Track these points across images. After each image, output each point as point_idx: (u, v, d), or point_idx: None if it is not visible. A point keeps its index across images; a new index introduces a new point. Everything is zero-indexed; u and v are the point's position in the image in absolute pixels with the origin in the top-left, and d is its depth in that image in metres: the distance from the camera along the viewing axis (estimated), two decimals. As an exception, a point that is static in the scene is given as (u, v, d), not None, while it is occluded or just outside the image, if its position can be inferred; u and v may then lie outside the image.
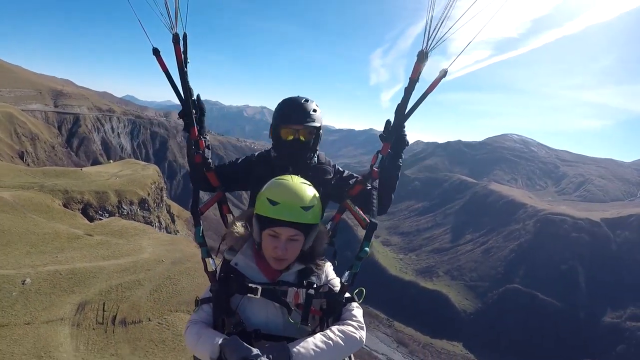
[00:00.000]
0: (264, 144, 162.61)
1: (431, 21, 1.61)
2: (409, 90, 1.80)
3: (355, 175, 2.39)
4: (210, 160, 2.16)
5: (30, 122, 75.43)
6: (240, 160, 2.48)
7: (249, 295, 1.65)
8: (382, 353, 61.08)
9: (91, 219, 27.75)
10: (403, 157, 2.25)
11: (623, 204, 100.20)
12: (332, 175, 2.36)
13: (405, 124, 2.00)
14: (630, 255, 73.54)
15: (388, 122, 1.98)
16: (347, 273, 1.76)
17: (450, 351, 65.73)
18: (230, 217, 2.26)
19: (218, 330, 1.64)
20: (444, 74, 1.71)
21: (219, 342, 1.46)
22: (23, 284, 14.45)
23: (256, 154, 2.50)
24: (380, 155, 1.98)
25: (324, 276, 1.79)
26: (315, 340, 1.49)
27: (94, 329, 14.08)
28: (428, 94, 1.81)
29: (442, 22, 1.59)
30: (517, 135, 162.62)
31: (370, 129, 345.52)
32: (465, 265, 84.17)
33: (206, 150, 2.14)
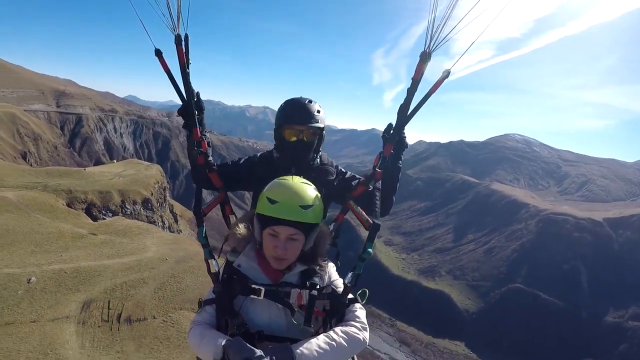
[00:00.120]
0: (267, 144, 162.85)
1: (433, 22, 1.60)
2: (411, 91, 1.79)
3: (357, 176, 2.38)
4: (212, 160, 2.16)
5: (32, 122, 75.53)
6: (242, 160, 2.47)
7: (252, 296, 1.65)
8: (384, 352, 61.09)
9: (95, 219, 27.81)
10: (403, 158, 2.24)
11: (625, 204, 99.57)
12: (334, 176, 2.35)
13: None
14: (633, 255, 73.18)
15: (390, 124, 1.98)
16: (350, 274, 1.76)
17: (452, 351, 65.61)
18: (232, 218, 2.26)
19: (221, 332, 1.64)
20: (447, 74, 1.70)
21: (222, 344, 1.46)
22: (28, 282, 14.50)
23: (258, 154, 2.49)
24: (382, 157, 1.98)
25: (327, 277, 1.79)
26: (319, 342, 1.49)
27: (99, 326, 14.11)
28: (431, 94, 1.80)
29: (444, 23, 1.59)
30: (520, 135, 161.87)
31: (373, 129, 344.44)
32: (467, 265, 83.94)
33: (208, 149, 2.14)
